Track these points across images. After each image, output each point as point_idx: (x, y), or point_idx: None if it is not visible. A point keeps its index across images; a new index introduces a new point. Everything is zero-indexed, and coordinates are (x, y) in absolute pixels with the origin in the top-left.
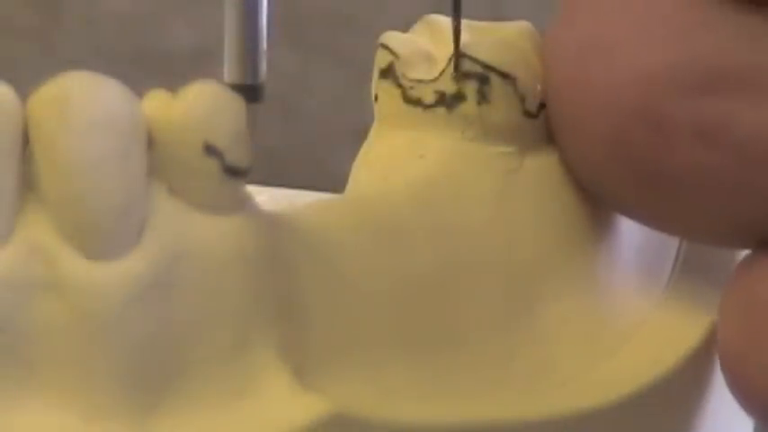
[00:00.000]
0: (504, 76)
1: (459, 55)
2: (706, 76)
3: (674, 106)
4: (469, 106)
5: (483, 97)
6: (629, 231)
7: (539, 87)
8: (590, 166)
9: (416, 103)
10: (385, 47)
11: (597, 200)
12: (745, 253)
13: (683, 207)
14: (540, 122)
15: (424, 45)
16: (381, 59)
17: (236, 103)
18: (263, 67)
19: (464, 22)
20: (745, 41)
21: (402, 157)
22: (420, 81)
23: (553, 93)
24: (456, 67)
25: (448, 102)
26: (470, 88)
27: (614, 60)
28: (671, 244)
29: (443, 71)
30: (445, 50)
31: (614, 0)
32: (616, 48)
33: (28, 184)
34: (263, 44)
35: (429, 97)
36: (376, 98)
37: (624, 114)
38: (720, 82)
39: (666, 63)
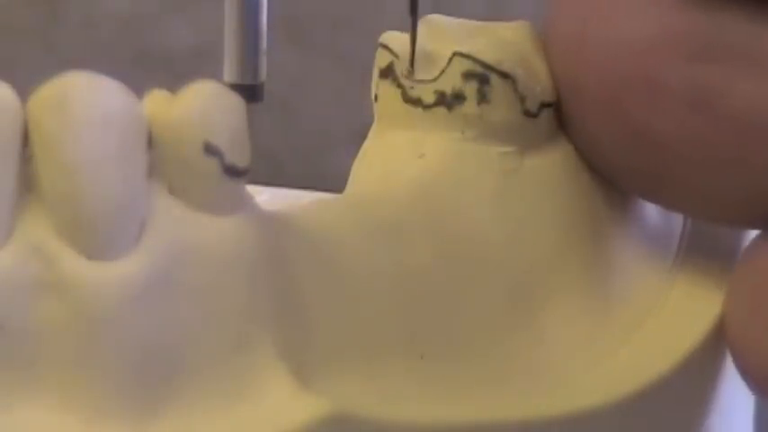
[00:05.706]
0: (504, 76)
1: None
2: (704, 44)
3: (671, 72)
4: (469, 106)
5: (483, 97)
6: (635, 219)
7: (539, 88)
8: (587, 130)
9: (416, 102)
10: (385, 47)
11: (599, 190)
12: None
13: (680, 179)
14: (541, 122)
15: (424, 45)
16: (381, 59)
17: (236, 103)
18: (263, 67)
19: (464, 22)
20: (744, 14)
21: (402, 156)
22: (420, 81)
23: (555, 55)
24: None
25: (448, 102)
26: (470, 88)
27: (614, 24)
28: (675, 230)
29: (443, 71)
30: (445, 50)
31: None
32: (616, 12)
33: (28, 184)
34: (263, 44)
35: (429, 97)
36: (376, 98)
37: (620, 77)
38: (718, 51)
39: (665, 29)
